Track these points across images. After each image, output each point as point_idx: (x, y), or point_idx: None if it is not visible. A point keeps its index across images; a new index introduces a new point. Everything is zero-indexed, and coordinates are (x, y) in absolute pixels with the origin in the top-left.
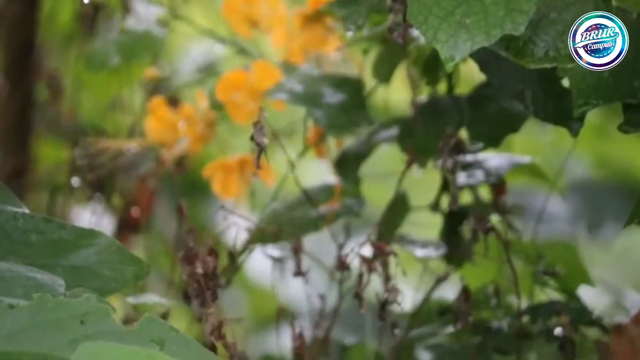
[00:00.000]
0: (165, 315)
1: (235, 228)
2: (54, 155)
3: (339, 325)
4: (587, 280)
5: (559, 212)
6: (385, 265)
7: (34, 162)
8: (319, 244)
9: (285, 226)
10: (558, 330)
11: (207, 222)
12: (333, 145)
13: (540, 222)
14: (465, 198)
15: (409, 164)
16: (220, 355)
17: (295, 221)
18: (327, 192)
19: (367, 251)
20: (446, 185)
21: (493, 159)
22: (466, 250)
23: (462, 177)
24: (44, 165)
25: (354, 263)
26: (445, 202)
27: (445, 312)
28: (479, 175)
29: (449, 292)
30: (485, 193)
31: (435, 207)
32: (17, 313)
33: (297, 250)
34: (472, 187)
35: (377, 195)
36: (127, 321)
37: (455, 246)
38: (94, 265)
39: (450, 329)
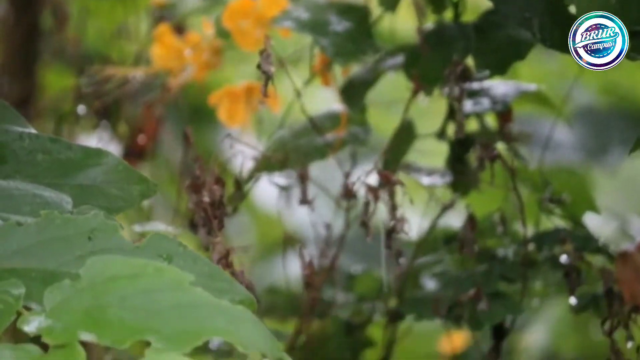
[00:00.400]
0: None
1: (241, 156)
2: (60, 83)
3: (345, 254)
4: (593, 208)
5: (564, 140)
6: (391, 194)
7: (40, 90)
8: (325, 172)
9: (291, 154)
10: (563, 258)
11: (214, 150)
12: (339, 73)
13: (546, 150)
14: (472, 126)
15: (415, 92)
16: None
17: (301, 149)
18: (333, 119)
19: (373, 179)
20: (452, 113)
21: (499, 86)
22: (472, 178)
23: (468, 105)
24: (50, 93)
25: (360, 191)
26: (451, 129)
27: (451, 240)
28: (485, 103)
29: (455, 220)
30: (491, 121)
31: (441, 135)
32: (25, 230)
33: (303, 178)
34: (478, 115)
35: (383, 124)
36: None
37: (461, 174)
38: (101, 184)
39: (456, 256)
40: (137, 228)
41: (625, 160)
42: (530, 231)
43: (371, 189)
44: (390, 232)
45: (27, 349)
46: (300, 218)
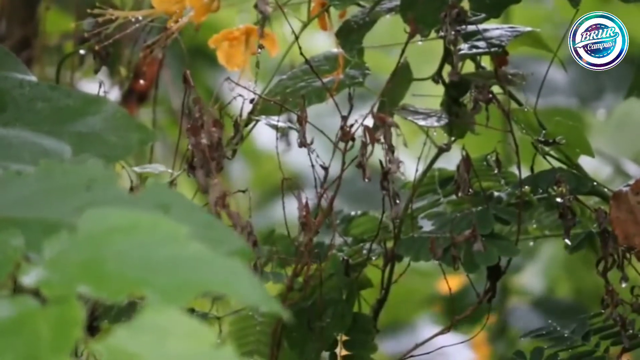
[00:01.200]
0: (171, 185)
1: (240, 99)
2: (60, 26)
3: (343, 196)
4: (588, 150)
5: (559, 83)
6: (387, 136)
7: (41, 34)
8: (324, 115)
9: (289, 97)
10: (558, 199)
11: (213, 93)
12: (336, 17)
13: (542, 92)
14: (467, 68)
15: (411, 35)
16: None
17: (299, 92)
18: (331, 62)
19: (370, 122)
20: (448, 56)
21: (495, 29)
22: (468, 121)
23: (464, 48)
24: (51, 37)
25: (358, 134)
26: (447, 72)
27: (447, 182)
28: (481, 45)
29: (451, 162)
30: (487, 63)
31: (437, 77)
32: (24, 179)
33: (301, 121)
34: (474, 58)
35: (380, 67)
36: (132, 191)
37: (457, 116)
38: (100, 131)
39: (452, 198)
40: (137, 169)
41: (619, 103)
42: (525, 173)
43: (368, 131)
44: (387, 174)
45: (26, 301)
46: (298, 161)
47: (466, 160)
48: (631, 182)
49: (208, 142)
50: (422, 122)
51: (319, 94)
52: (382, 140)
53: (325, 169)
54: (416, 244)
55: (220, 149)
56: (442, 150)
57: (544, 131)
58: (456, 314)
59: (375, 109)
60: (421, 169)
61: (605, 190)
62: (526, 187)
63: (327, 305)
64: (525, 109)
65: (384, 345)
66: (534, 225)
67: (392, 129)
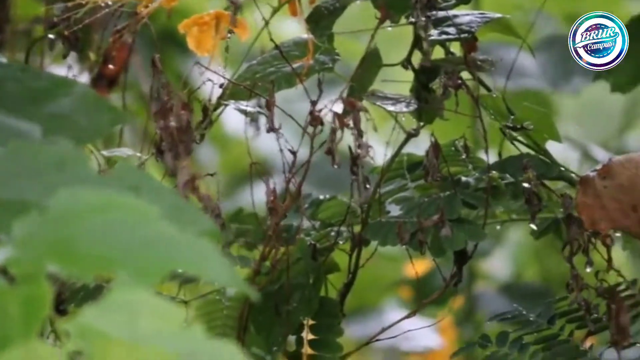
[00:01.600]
0: (140, 168)
1: (209, 83)
2: (31, 11)
3: (311, 181)
4: (555, 136)
5: (528, 68)
6: (356, 121)
7: (10, 19)
8: (293, 100)
9: (259, 82)
10: (525, 185)
11: (183, 77)
12: (306, 3)
13: (511, 78)
14: (437, 54)
15: (381, 21)
16: None
17: (269, 77)
18: (300, 48)
19: (340, 107)
20: (418, 42)
21: (465, 15)
22: (437, 106)
23: (434, 34)
24: (21, 22)
25: (327, 119)
26: (417, 58)
27: (415, 167)
28: (451, 31)
29: (419, 147)
30: (456, 49)
31: (407, 63)
32: None
33: (270, 106)
34: (444, 43)
35: (349, 52)
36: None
37: (426, 102)
38: (71, 113)
39: (420, 183)
40: (106, 153)
41: (587, 88)
42: (493, 158)
43: (337, 116)
44: (356, 159)
45: None
46: (267, 146)
47: (435, 145)
48: (598, 167)
49: (177, 125)
50: (391, 108)
51: (289, 79)
52: (352, 125)
53: (294, 153)
54: (384, 228)
55: (189, 132)
56: (410, 135)
57: (512, 117)
58: (423, 298)
59: (344, 94)
60: (389, 154)
61: (573, 175)
62: (494, 172)
63: (294, 289)
64: (494, 95)
65: (351, 329)
66: (502, 210)
67: (362, 114)
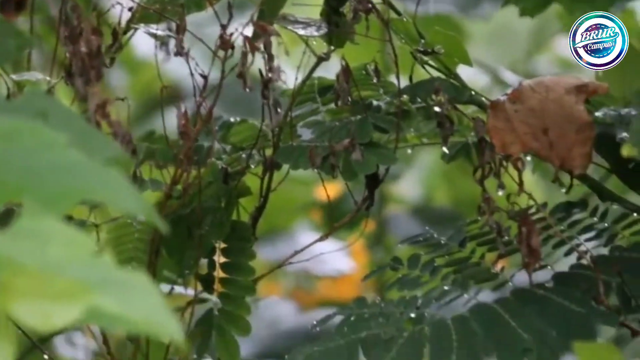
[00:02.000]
0: (49, 93)
1: (119, 7)
2: None
3: (222, 104)
4: (466, 59)
5: None
6: (267, 45)
7: None
8: (203, 24)
9: (169, 5)
10: (436, 108)
11: (92, 0)
12: None
13: (421, 3)
14: None
15: None
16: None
17: (178, 0)
18: None
19: (251, 31)
20: None
21: None
22: (347, 30)
23: None
24: None
25: (238, 43)
26: None
27: (326, 90)
28: None
29: (330, 71)
30: None
31: None
32: None
33: (180, 30)
34: None
35: None
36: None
37: (336, 26)
38: None
39: (331, 107)
40: (15, 77)
41: (497, 11)
42: (404, 82)
43: (248, 40)
44: (267, 83)
45: None
46: (178, 70)
47: (345, 69)
48: (509, 91)
49: (87, 50)
50: (301, 32)
51: (198, 3)
52: (263, 49)
53: (205, 77)
54: (295, 152)
55: (100, 57)
56: (321, 59)
57: (422, 41)
58: (334, 221)
59: (255, 18)
60: (300, 78)
61: (483, 99)
62: (405, 96)
63: (206, 213)
64: (405, 19)
65: (263, 252)
66: (413, 134)
67: (273, 38)
